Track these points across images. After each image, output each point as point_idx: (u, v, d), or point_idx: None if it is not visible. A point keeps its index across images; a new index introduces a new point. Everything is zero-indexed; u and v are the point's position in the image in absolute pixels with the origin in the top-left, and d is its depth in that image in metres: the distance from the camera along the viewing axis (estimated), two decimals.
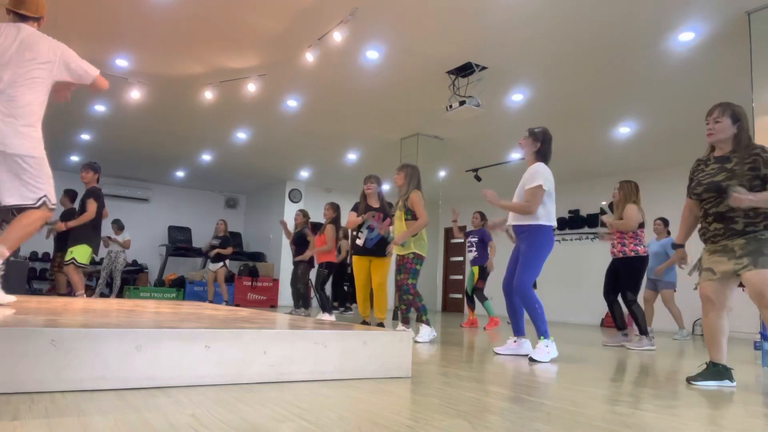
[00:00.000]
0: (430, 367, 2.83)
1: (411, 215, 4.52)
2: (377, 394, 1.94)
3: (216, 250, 8.98)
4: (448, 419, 1.62)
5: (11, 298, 2.96)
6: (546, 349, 3.40)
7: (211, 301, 9.13)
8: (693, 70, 5.82)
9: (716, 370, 2.70)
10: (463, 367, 2.90)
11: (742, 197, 2.54)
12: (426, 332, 4.38)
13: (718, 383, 2.68)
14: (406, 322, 4.62)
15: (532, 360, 3.35)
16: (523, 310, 3.67)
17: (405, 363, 2.39)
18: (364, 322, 5.49)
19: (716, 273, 2.72)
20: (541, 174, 3.55)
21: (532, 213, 3.52)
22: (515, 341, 3.69)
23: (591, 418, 1.74)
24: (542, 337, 3.44)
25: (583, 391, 2.32)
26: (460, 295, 13.37)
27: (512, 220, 3.70)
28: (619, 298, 5.03)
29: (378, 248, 5.22)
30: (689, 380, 2.73)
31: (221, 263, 9.07)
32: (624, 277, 4.90)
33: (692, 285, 7.36)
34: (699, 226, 2.88)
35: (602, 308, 9.93)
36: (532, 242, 3.55)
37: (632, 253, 4.86)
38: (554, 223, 3.63)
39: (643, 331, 4.81)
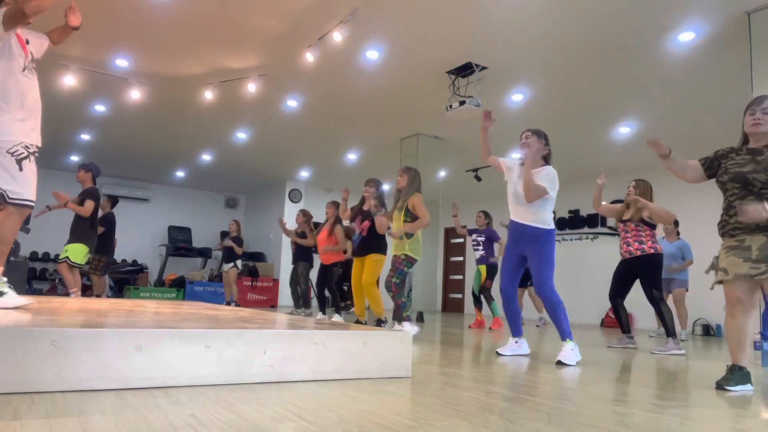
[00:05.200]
0: (430, 367, 2.83)
1: (410, 217, 4.61)
2: (377, 394, 1.94)
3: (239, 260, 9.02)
4: (448, 419, 1.62)
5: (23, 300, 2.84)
6: (572, 352, 3.35)
7: (228, 303, 8.98)
8: (693, 70, 5.82)
9: (742, 374, 2.60)
10: (463, 367, 2.90)
11: (749, 209, 2.44)
12: (408, 328, 4.48)
13: (744, 387, 2.59)
14: (401, 320, 4.67)
15: (560, 363, 3.28)
16: (521, 312, 3.75)
17: (405, 363, 2.39)
18: (358, 322, 5.52)
19: (729, 274, 2.59)
20: (555, 180, 3.58)
21: (529, 200, 3.53)
22: (516, 342, 3.70)
23: (591, 418, 1.74)
24: (568, 340, 3.41)
25: (583, 391, 2.32)
26: (460, 295, 13.37)
27: (522, 219, 3.62)
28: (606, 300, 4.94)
29: (362, 249, 5.42)
30: (721, 386, 2.59)
31: (232, 264, 8.98)
32: (649, 275, 4.68)
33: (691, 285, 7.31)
34: (720, 219, 2.72)
35: (602, 308, 9.92)
36: (544, 245, 3.56)
37: (651, 250, 4.67)
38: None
39: (672, 333, 4.56)
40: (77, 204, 6.03)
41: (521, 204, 3.63)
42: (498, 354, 3.66)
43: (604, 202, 5.19)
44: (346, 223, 6.40)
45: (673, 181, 9.35)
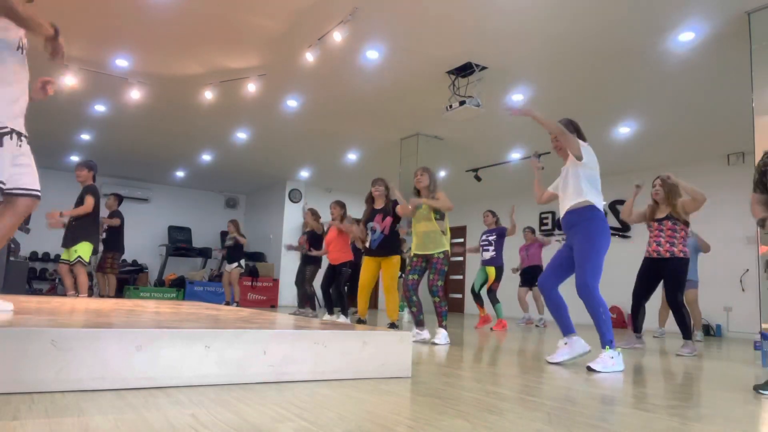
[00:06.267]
0: (430, 367, 2.83)
1: (440, 215, 4.57)
2: (377, 394, 1.94)
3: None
4: (448, 419, 1.62)
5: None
6: (611, 360, 3.03)
7: (228, 303, 8.93)
8: (693, 70, 5.82)
9: None
10: (463, 367, 2.90)
11: None
12: (444, 336, 4.37)
13: None
14: (420, 325, 4.55)
15: (590, 369, 3.01)
16: (566, 306, 3.34)
17: (405, 363, 2.39)
18: (361, 321, 5.51)
19: None
20: (589, 152, 3.30)
21: (558, 129, 3.19)
22: (566, 343, 3.31)
23: (591, 418, 1.74)
24: (608, 347, 3.07)
25: (584, 391, 2.32)
26: (460, 295, 13.36)
27: (565, 206, 3.31)
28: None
29: (384, 248, 5.33)
30: (762, 391, 2.46)
31: (236, 263, 8.89)
32: (677, 279, 4.56)
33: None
34: None
35: None
36: (586, 230, 3.16)
37: (681, 254, 4.54)
38: (602, 208, 3.29)
39: (691, 336, 4.55)
40: (77, 203, 6.02)
41: (566, 189, 3.33)
42: (549, 362, 3.29)
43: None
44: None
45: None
